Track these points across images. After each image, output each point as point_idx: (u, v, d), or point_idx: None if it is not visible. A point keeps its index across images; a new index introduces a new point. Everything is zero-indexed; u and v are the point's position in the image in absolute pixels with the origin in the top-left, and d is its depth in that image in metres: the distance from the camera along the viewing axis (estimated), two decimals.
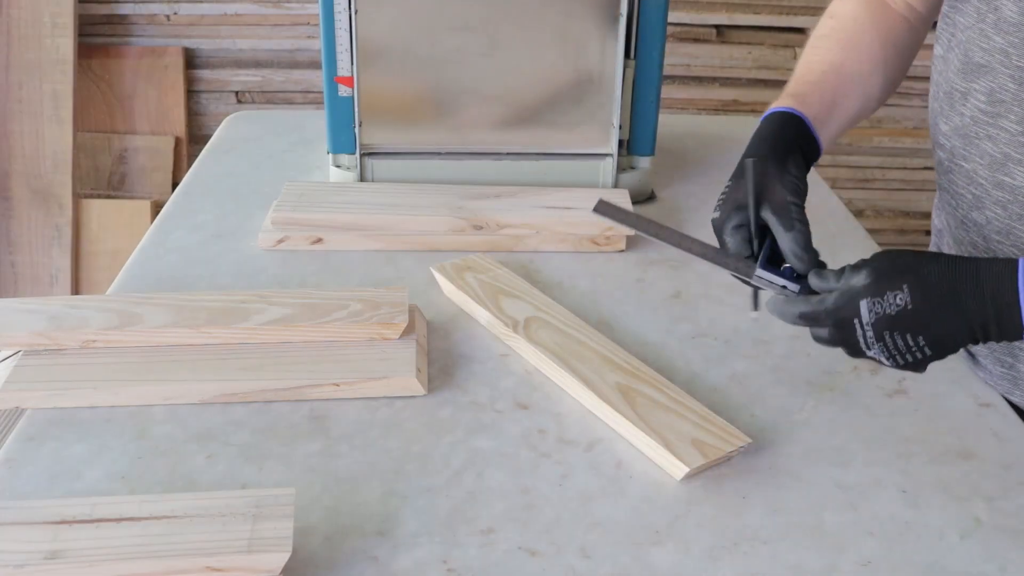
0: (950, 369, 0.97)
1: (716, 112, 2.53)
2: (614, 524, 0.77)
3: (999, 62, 0.86)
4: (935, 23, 1.00)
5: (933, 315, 0.74)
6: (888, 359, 0.76)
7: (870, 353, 0.77)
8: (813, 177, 1.44)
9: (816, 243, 1.22)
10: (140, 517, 0.69)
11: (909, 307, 0.74)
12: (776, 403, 0.92)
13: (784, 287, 0.82)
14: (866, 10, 1.01)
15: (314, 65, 2.52)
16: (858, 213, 2.58)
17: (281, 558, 0.67)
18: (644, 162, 1.33)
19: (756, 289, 0.84)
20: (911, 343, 0.75)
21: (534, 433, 0.87)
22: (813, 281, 0.81)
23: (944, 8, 0.94)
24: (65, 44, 2.39)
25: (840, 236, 1.25)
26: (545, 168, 1.28)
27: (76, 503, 0.70)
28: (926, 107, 1.03)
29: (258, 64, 2.55)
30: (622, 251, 1.19)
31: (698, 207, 1.31)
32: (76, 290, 2.49)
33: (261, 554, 0.67)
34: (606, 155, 1.28)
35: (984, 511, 0.79)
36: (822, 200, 1.36)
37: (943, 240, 1.05)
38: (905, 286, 0.74)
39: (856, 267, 0.78)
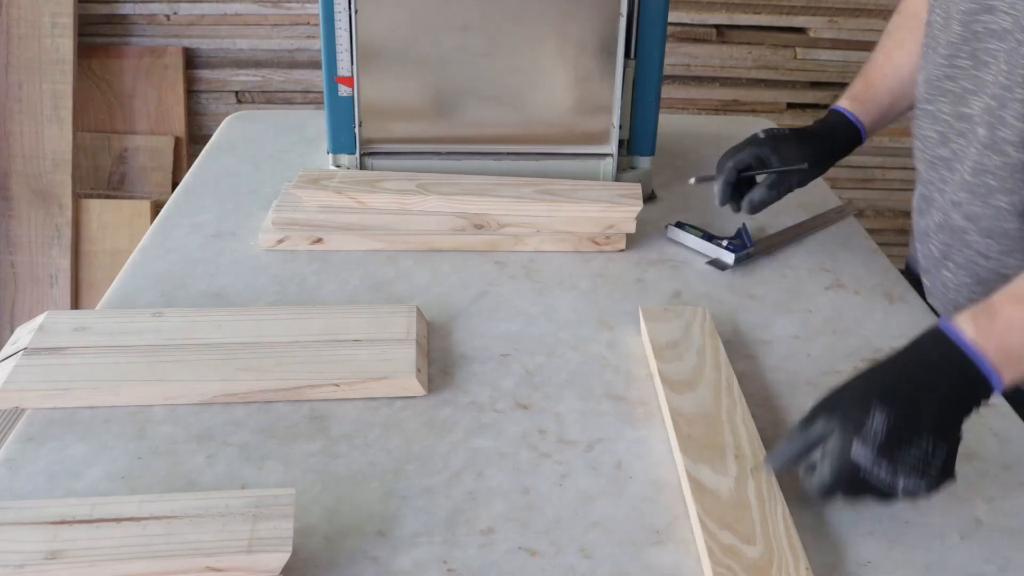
0: None
1: (716, 112, 2.53)
2: (614, 524, 0.77)
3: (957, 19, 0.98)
4: None
5: (917, 411, 0.72)
6: (921, 479, 0.71)
7: (903, 487, 0.72)
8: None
9: (816, 243, 1.23)
10: (140, 517, 0.69)
11: (891, 419, 0.71)
12: (776, 403, 0.92)
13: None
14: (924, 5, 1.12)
15: (314, 65, 2.52)
16: (858, 213, 2.57)
17: (281, 558, 0.67)
18: (644, 162, 1.33)
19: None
20: (921, 448, 0.71)
21: (534, 433, 0.87)
22: (804, 476, 0.76)
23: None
24: (65, 44, 2.39)
25: (840, 236, 1.25)
26: (545, 168, 1.28)
27: (76, 503, 0.70)
28: None
29: (258, 64, 2.55)
30: (622, 251, 1.19)
31: (698, 207, 1.31)
32: (76, 290, 2.49)
33: (261, 554, 0.67)
34: (606, 155, 1.29)
35: (984, 511, 0.79)
36: (822, 200, 1.36)
37: (930, 240, 1.10)
38: (871, 405, 0.71)
39: (802, 424, 0.75)
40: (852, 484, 0.72)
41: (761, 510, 0.76)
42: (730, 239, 1.18)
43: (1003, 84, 0.92)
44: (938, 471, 0.71)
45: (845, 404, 0.73)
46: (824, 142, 1.15)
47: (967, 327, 0.74)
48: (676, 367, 0.93)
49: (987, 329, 0.73)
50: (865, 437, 0.70)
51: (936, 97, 1.03)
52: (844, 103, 1.18)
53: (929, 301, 1.11)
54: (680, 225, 1.22)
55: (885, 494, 0.73)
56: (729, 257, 1.15)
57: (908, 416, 0.71)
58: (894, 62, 1.17)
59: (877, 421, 0.70)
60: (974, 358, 0.72)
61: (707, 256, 1.18)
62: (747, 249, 1.16)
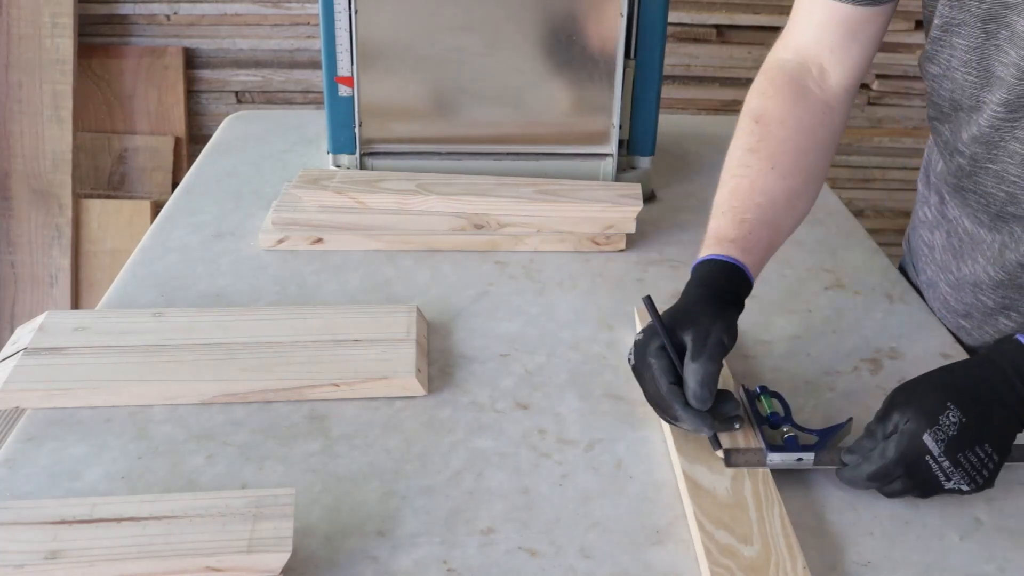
0: None
1: (716, 112, 2.53)
2: (614, 524, 0.77)
3: (1012, 75, 0.85)
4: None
5: (987, 419, 0.76)
6: (969, 482, 0.76)
7: (949, 484, 0.76)
8: None
9: (816, 243, 1.22)
10: (140, 517, 0.69)
11: (964, 420, 0.75)
12: None
13: (800, 459, 0.82)
14: (791, 106, 0.95)
15: (314, 65, 2.52)
16: (858, 213, 2.58)
17: (281, 558, 0.67)
18: (644, 162, 1.33)
19: (714, 436, 0.82)
20: (982, 455, 0.75)
21: (534, 433, 0.87)
22: (849, 459, 0.79)
23: (935, 34, 0.92)
24: (65, 44, 2.39)
25: (840, 236, 1.25)
26: (545, 168, 1.28)
27: (76, 503, 0.70)
28: (925, 107, 1.04)
29: (258, 64, 2.55)
30: (622, 251, 1.19)
31: (698, 207, 1.31)
32: (76, 290, 2.49)
33: (261, 554, 0.67)
34: (606, 155, 1.29)
35: (984, 511, 0.79)
36: (822, 199, 1.35)
37: (952, 228, 1.04)
38: (950, 403, 0.75)
39: (887, 414, 0.78)
40: (910, 467, 0.75)
41: (758, 510, 0.76)
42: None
43: None
44: (985, 479, 0.76)
45: (922, 396, 0.77)
46: (715, 298, 0.85)
47: None
48: None
49: None
50: (938, 429, 0.74)
51: (999, 157, 0.91)
52: (714, 249, 0.88)
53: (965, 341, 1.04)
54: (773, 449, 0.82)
55: (929, 486, 0.77)
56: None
57: (978, 423, 0.75)
58: (765, 188, 0.90)
59: (952, 418, 0.75)
60: None
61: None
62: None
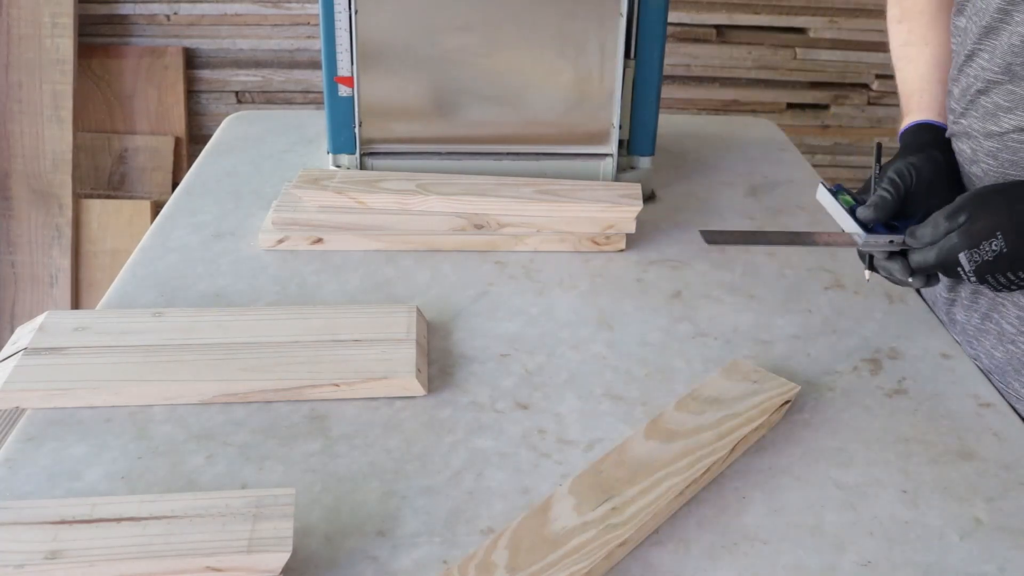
0: (950, 369, 0.97)
1: (716, 112, 2.53)
2: None
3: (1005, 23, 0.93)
4: None
5: (1020, 252, 0.83)
6: (992, 289, 0.87)
7: (972, 284, 0.89)
8: (812, 177, 1.44)
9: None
10: (140, 517, 0.69)
11: (1004, 251, 0.83)
12: None
13: (891, 241, 0.92)
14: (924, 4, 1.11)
15: (314, 65, 2.52)
16: None
17: (281, 558, 0.67)
18: (644, 162, 1.33)
19: (868, 254, 0.95)
20: (1012, 277, 0.84)
21: (534, 433, 0.87)
22: (910, 240, 0.90)
23: None
24: (65, 44, 2.39)
25: None
26: (545, 168, 1.28)
27: (76, 503, 0.70)
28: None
29: (258, 64, 2.55)
30: (622, 251, 1.19)
31: (698, 207, 1.31)
32: (76, 290, 2.49)
33: (261, 554, 0.67)
34: (606, 155, 1.29)
35: (984, 511, 0.79)
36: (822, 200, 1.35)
37: None
38: (999, 233, 0.83)
39: (950, 216, 0.86)
40: (945, 270, 0.88)
41: None
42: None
43: None
44: (1009, 289, 0.86)
45: (981, 213, 0.84)
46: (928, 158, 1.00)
47: None
48: (683, 418, 0.85)
49: None
50: (975, 251, 0.84)
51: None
52: (920, 116, 1.08)
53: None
54: (837, 191, 1.02)
55: (954, 276, 0.88)
56: (860, 237, 0.94)
57: (1016, 253, 0.83)
58: (937, 60, 1.09)
59: (994, 246, 0.83)
60: None
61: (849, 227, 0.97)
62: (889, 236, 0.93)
